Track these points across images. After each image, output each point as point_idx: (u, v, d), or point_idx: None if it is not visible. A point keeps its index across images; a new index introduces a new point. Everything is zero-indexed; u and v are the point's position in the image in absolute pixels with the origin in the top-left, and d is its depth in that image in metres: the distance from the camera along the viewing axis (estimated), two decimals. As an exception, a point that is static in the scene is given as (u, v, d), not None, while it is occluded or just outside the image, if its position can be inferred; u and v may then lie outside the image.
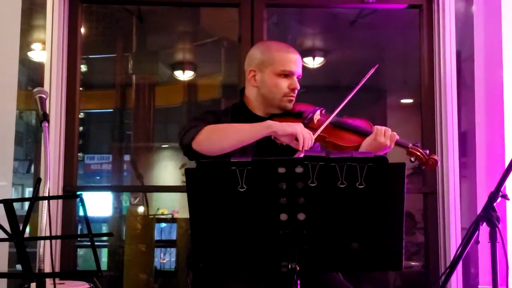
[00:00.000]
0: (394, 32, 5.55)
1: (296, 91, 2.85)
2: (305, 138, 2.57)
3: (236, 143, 2.64)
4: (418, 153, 2.74)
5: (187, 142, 2.67)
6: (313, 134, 2.70)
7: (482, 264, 3.91)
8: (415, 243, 5.43)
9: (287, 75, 2.82)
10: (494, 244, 2.51)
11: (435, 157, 2.75)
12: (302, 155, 2.61)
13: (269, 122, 2.65)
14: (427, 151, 2.76)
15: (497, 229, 2.49)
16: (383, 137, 2.71)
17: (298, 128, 2.59)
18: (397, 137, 2.76)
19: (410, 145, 2.77)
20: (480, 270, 3.95)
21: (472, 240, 2.58)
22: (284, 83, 2.82)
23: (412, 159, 2.75)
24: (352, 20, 5.48)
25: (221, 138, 2.65)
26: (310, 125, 2.79)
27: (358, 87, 2.81)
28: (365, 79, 2.82)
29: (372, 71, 2.84)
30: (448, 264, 3.84)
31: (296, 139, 2.58)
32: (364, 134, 2.77)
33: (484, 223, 2.54)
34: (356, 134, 2.80)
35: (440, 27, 4.14)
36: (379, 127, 2.75)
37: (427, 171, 4.02)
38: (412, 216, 5.60)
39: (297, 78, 2.86)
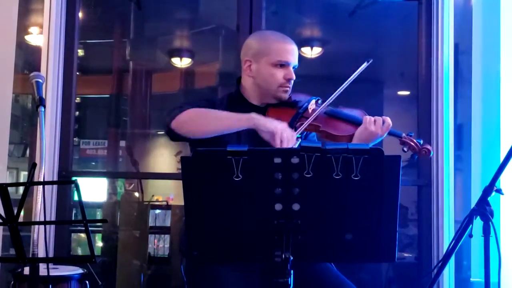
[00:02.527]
0: (393, 24, 5.54)
1: (292, 81, 2.85)
2: (283, 139, 2.55)
3: (216, 131, 2.64)
4: (411, 143, 2.75)
5: (168, 122, 2.69)
6: (305, 123, 2.71)
7: (475, 257, 3.92)
8: (408, 234, 5.44)
9: (282, 65, 2.82)
10: (488, 238, 2.52)
11: (428, 146, 2.76)
12: (297, 144, 2.63)
13: (252, 115, 2.63)
14: (421, 141, 2.77)
15: (490, 223, 2.50)
16: (373, 126, 2.71)
17: (279, 127, 2.57)
18: (391, 124, 2.76)
19: (403, 134, 2.78)
20: (473, 263, 3.96)
21: (466, 234, 2.59)
22: (279, 74, 2.81)
23: (405, 148, 2.77)
24: (351, 11, 5.47)
25: (202, 123, 2.67)
26: (304, 115, 2.79)
27: (353, 77, 2.80)
28: (359, 71, 2.81)
29: (365, 65, 2.82)
30: (440, 256, 3.86)
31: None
32: (358, 123, 2.77)
33: (478, 217, 2.55)
34: (350, 124, 2.80)
35: (439, 19, 4.14)
36: (368, 116, 2.75)
37: (421, 161, 4.05)
38: (406, 208, 5.61)
39: (293, 68, 2.86)
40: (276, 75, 2.81)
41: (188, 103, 2.83)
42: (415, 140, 2.76)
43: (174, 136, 2.73)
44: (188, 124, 2.68)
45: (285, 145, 2.53)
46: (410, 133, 2.79)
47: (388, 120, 2.74)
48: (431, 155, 2.78)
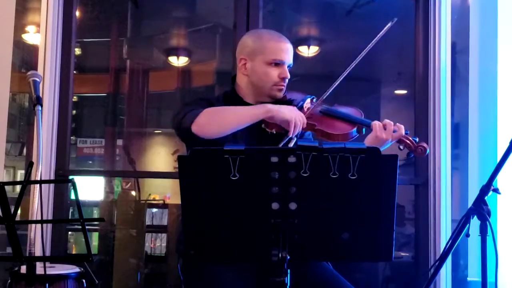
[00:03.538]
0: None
1: (286, 80, 2.85)
2: (297, 125, 2.64)
3: (237, 125, 2.65)
4: (407, 141, 2.74)
5: (187, 125, 2.65)
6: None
7: (472, 256, 3.93)
8: (405, 234, 5.45)
9: (277, 64, 2.81)
10: (485, 237, 2.51)
11: (424, 144, 2.75)
12: (293, 143, 2.64)
13: (267, 105, 2.67)
14: (417, 139, 2.76)
15: (487, 222, 2.50)
16: (384, 133, 2.70)
17: (293, 115, 2.63)
18: (402, 133, 2.75)
19: None
20: (470, 262, 3.97)
21: (463, 233, 2.59)
22: (274, 72, 2.81)
23: (401, 146, 2.76)
24: (348, 10, 5.47)
25: (221, 120, 2.65)
26: None
27: (377, 39, 2.80)
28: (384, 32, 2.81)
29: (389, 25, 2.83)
30: (437, 255, 3.87)
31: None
32: (354, 122, 2.77)
33: (475, 216, 2.55)
34: (345, 122, 2.79)
35: (436, 18, 4.14)
36: (376, 122, 2.73)
37: (417, 160, 4.06)
38: (402, 207, 5.62)
39: (288, 67, 2.86)
40: (270, 74, 2.81)
41: (187, 104, 2.83)
42: (410, 138, 2.75)
43: (192, 139, 2.66)
44: (209, 125, 2.64)
45: (297, 131, 2.65)
46: (405, 131, 2.78)
47: (402, 130, 2.75)
48: (427, 153, 2.77)
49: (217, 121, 2.66)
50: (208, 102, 2.85)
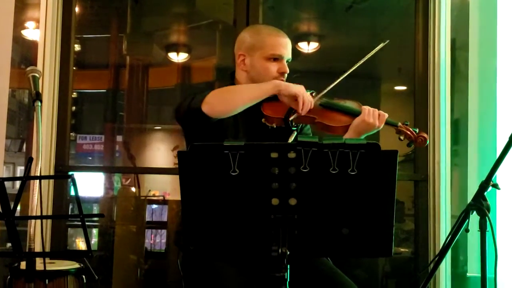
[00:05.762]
0: (390, 19, 5.54)
1: (286, 75, 2.86)
2: (305, 101, 2.66)
3: (246, 102, 2.67)
4: (408, 132, 2.78)
5: (197, 106, 2.62)
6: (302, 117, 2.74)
7: (471, 252, 3.93)
8: (404, 229, 5.45)
9: (276, 59, 2.83)
10: (484, 233, 2.52)
11: (424, 135, 2.79)
12: (293, 137, 2.65)
13: (275, 81, 2.71)
14: (417, 130, 2.80)
15: (487, 218, 2.50)
16: (372, 118, 2.73)
17: (301, 90, 2.66)
18: (386, 116, 2.78)
19: (399, 124, 2.81)
20: (469, 258, 3.97)
21: (462, 229, 2.59)
22: (273, 67, 2.82)
23: (402, 137, 2.80)
24: (348, 6, 5.47)
25: (231, 97, 2.68)
26: None
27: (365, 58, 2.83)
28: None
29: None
30: (437, 251, 3.87)
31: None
32: (354, 114, 2.78)
33: (474, 212, 2.55)
34: (345, 115, 2.80)
35: (436, 14, 4.14)
36: (367, 107, 2.76)
37: (417, 156, 4.06)
38: (402, 203, 5.62)
39: (287, 61, 2.86)
40: (270, 69, 2.82)
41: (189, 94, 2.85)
42: (411, 129, 2.79)
43: (200, 119, 2.64)
44: (219, 104, 2.64)
45: (305, 107, 2.66)
46: (406, 122, 2.81)
47: (383, 112, 2.78)
48: (427, 143, 2.81)
49: (226, 99, 2.68)
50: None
